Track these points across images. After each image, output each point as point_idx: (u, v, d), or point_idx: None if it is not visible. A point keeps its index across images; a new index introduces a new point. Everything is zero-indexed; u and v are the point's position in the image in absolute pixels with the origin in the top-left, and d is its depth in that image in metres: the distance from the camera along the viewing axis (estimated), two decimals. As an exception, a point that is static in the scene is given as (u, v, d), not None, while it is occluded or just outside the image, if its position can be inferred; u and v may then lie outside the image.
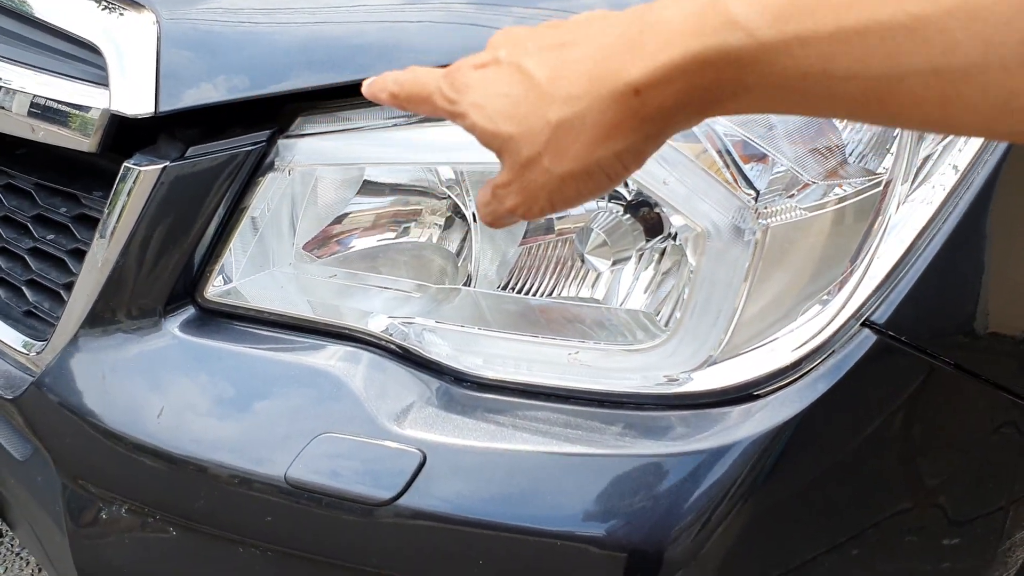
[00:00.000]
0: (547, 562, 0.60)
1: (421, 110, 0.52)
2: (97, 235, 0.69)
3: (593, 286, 0.68)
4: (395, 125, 0.66)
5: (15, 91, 0.71)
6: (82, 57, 0.71)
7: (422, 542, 0.61)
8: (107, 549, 0.72)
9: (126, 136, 0.69)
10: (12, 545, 1.80)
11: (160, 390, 0.68)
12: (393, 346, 0.67)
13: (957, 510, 0.73)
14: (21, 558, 1.78)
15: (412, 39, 0.67)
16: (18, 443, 0.82)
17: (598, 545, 0.59)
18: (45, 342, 0.76)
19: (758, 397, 0.60)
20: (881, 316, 0.61)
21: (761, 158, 0.61)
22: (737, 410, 0.60)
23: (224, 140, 0.66)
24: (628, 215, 0.65)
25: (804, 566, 0.66)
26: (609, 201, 0.66)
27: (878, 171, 0.60)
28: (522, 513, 0.59)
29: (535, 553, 0.60)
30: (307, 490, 0.62)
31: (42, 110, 0.70)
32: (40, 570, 1.74)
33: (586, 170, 0.44)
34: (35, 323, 0.81)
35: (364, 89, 0.55)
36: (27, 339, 0.79)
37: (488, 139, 0.47)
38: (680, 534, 0.60)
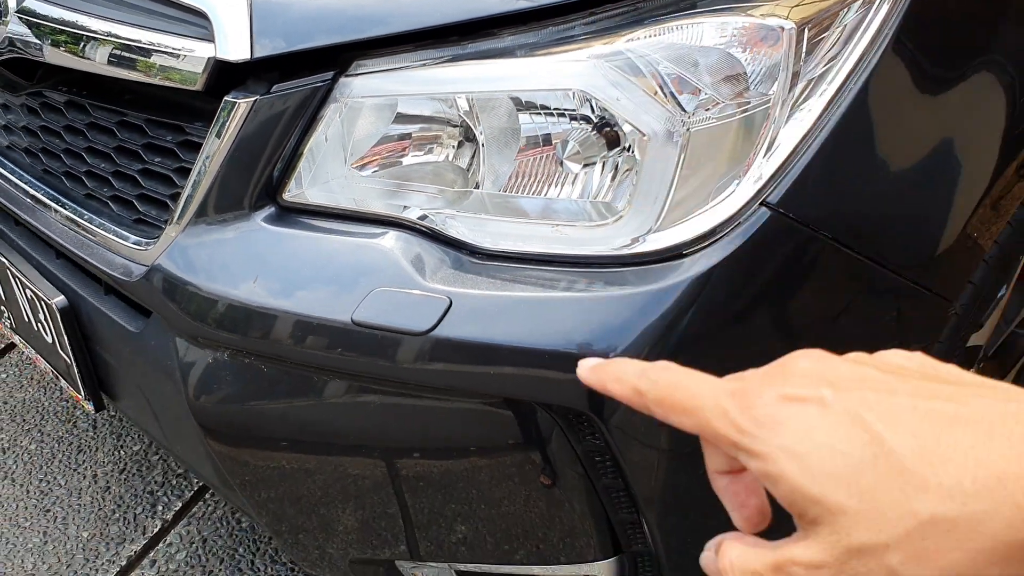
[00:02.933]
0: (536, 371, 0.83)
1: (682, 423, 0.40)
2: (202, 154, 0.93)
3: (572, 185, 0.91)
4: (423, 65, 0.90)
5: (137, 46, 0.94)
6: (183, 18, 0.94)
7: (450, 361, 0.85)
8: (214, 387, 0.97)
9: (216, 81, 0.93)
10: (68, 461, 2.05)
11: (253, 264, 0.92)
12: (425, 229, 0.91)
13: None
14: (78, 473, 2.02)
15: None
16: (131, 319, 1.06)
17: (572, 359, 0.83)
18: (155, 239, 1.00)
19: (685, 256, 0.84)
20: (774, 198, 0.85)
21: (693, 90, 0.85)
22: (671, 264, 0.84)
23: (299, 79, 0.89)
24: (594, 131, 0.88)
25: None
26: (581, 121, 0.89)
27: (769, 93, 0.84)
28: (520, 336, 0.83)
29: (528, 365, 0.84)
30: (368, 327, 0.86)
31: (159, 60, 0.93)
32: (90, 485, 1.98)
33: None
34: (144, 228, 1.05)
35: (586, 375, 0.45)
36: (138, 238, 1.03)
37: (800, 500, 0.36)
38: (635, 353, 0.84)
